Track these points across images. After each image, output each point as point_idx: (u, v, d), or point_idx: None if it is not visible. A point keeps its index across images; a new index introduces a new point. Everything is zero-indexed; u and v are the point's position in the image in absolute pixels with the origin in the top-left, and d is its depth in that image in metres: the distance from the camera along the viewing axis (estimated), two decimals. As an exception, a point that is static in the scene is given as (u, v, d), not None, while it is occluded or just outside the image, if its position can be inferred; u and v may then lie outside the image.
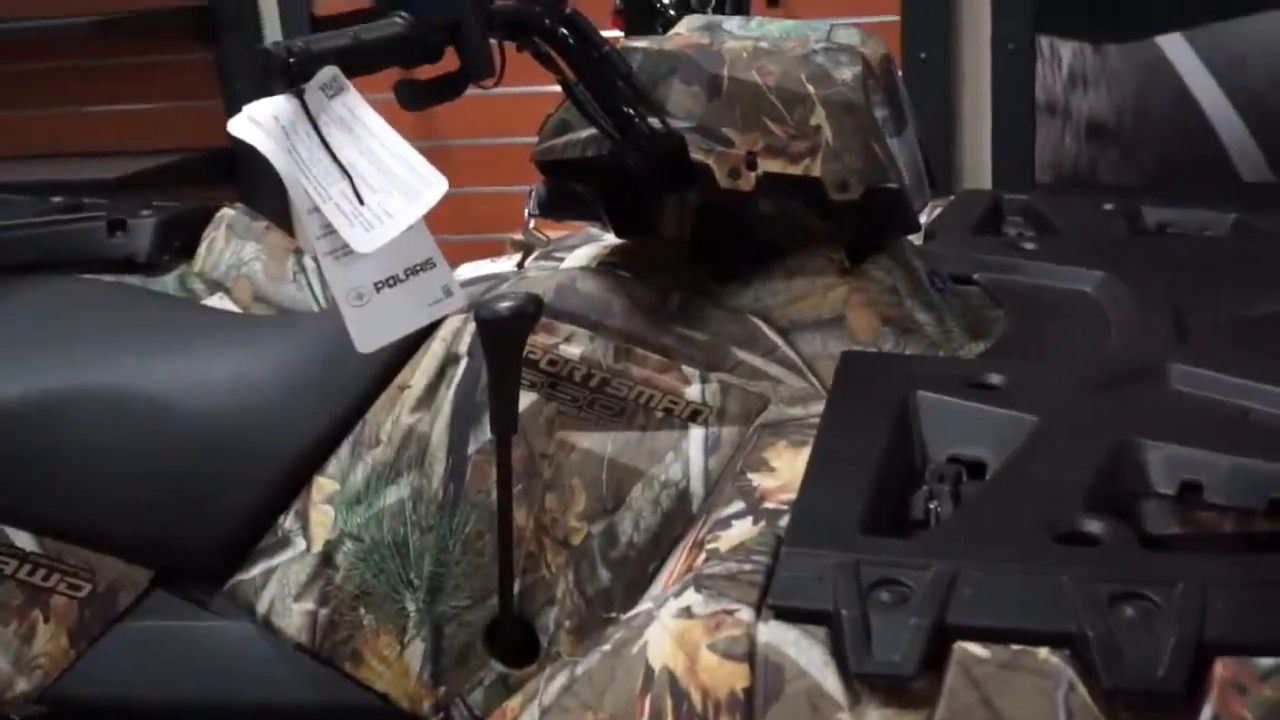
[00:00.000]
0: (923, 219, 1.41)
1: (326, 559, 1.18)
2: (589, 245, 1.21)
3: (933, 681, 0.73)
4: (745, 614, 0.78)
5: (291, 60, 0.87)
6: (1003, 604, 0.74)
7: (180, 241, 1.65)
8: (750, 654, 0.76)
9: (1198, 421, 0.93)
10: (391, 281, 0.91)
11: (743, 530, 0.87)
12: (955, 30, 2.40)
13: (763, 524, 0.87)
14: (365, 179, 0.88)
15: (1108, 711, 0.71)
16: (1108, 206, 1.50)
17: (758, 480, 0.94)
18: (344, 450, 1.20)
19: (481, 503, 1.12)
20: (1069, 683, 0.72)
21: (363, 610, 1.17)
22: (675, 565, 0.96)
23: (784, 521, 0.85)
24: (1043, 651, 0.72)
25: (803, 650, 0.76)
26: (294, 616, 1.20)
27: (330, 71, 0.88)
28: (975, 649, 0.73)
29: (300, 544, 1.21)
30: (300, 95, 0.87)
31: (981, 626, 0.73)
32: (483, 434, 1.12)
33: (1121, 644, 0.71)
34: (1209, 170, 2.35)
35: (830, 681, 0.75)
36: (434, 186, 0.89)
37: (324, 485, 1.20)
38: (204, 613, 1.26)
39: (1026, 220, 1.46)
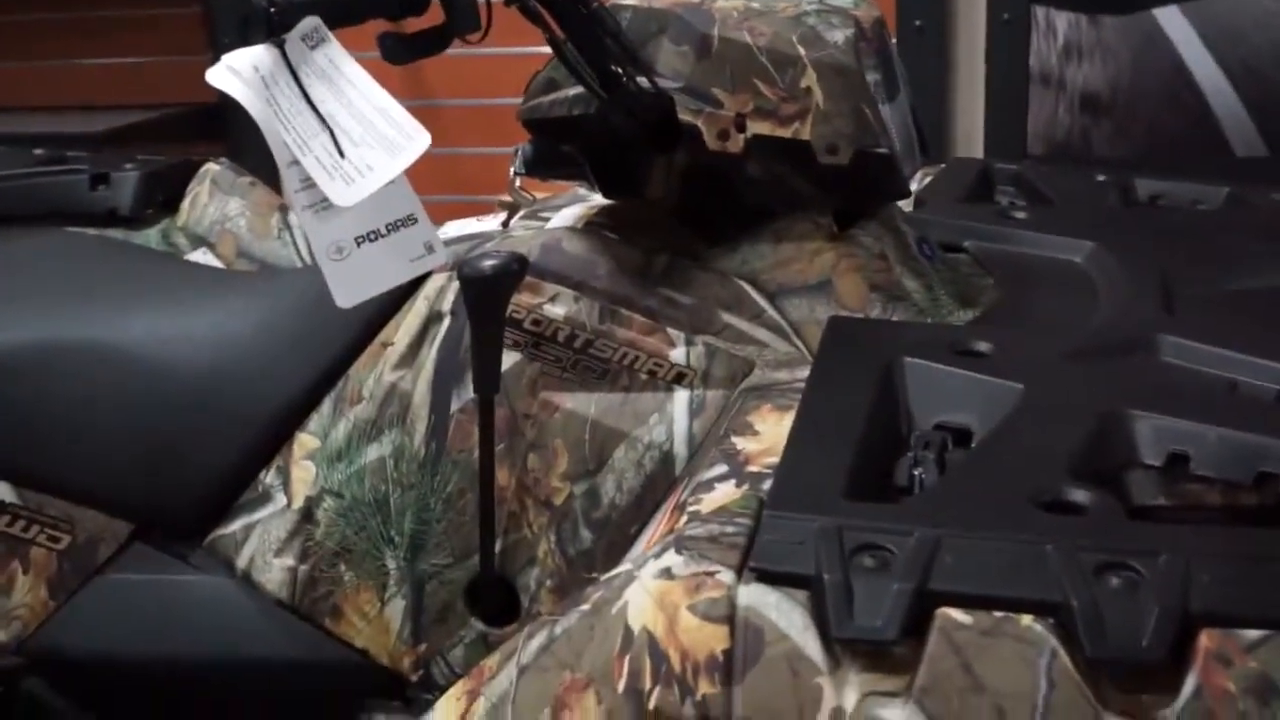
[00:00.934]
0: (913, 186, 1.41)
1: (307, 515, 1.18)
2: (575, 205, 1.20)
3: (914, 647, 0.73)
4: (726, 576, 0.77)
5: (272, 9, 0.86)
6: (986, 571, 0.74)
7: (164, 195, 1.65)
8: (730, 616, 0.76)
9: (1186, 393, 0.93)
10: (372, 236, 0.90)
11: (725, 493, 0.86)
12: (948, 2, 2.40)
13: (745, 487, 0.87)
14: (346, 132, 0.87)
15: (1090, 680, 0.71)
16: (1100, 178, 1.50)
17: (741, 444, 0.93)
18: (326, 407, 1.19)
19: (464, 461, 1.11)
20: (1051, 651, 0.71)
21: (343, 567, 1.17)
22: (657, 527, 0.96)
23: (767, 485, 0.85)
24: (1026, 619, 0.72)
25: (783, 613, 0.75)
26: (274, 572, 1.20)
27: (312, 22, 0.86)
28: (958, 615, 0.73)
29: (281, 500, 1.20)
30: (281, 45, 0.86)
31: (964, 593, 0.73)
32: (465, 393, 1.11)
33: (1105, 613, 0.70)
34: (1202, 144, 2.36)
35: (811, 645, 0.74)
36: (416, 141, 0.88)
37: (305, 441, 1.20)
38: (184, 566, 1.25)
39: (1018, 190, 1.46)
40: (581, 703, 0.79)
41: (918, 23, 2.38)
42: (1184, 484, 0.88)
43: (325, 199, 0.85)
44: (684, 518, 0.85)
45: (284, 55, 0.86)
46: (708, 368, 1.07)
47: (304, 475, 1.19)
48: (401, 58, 0.94)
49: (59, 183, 1.64)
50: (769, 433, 0.94)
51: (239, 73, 0.84)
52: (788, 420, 0.92)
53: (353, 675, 1.19)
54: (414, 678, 1.17)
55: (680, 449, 1.07)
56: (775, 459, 0.87)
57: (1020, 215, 1.34)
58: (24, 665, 1.27)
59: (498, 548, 1.10)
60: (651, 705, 0.77)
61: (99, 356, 1.25)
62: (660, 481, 1.07)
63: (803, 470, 0.84)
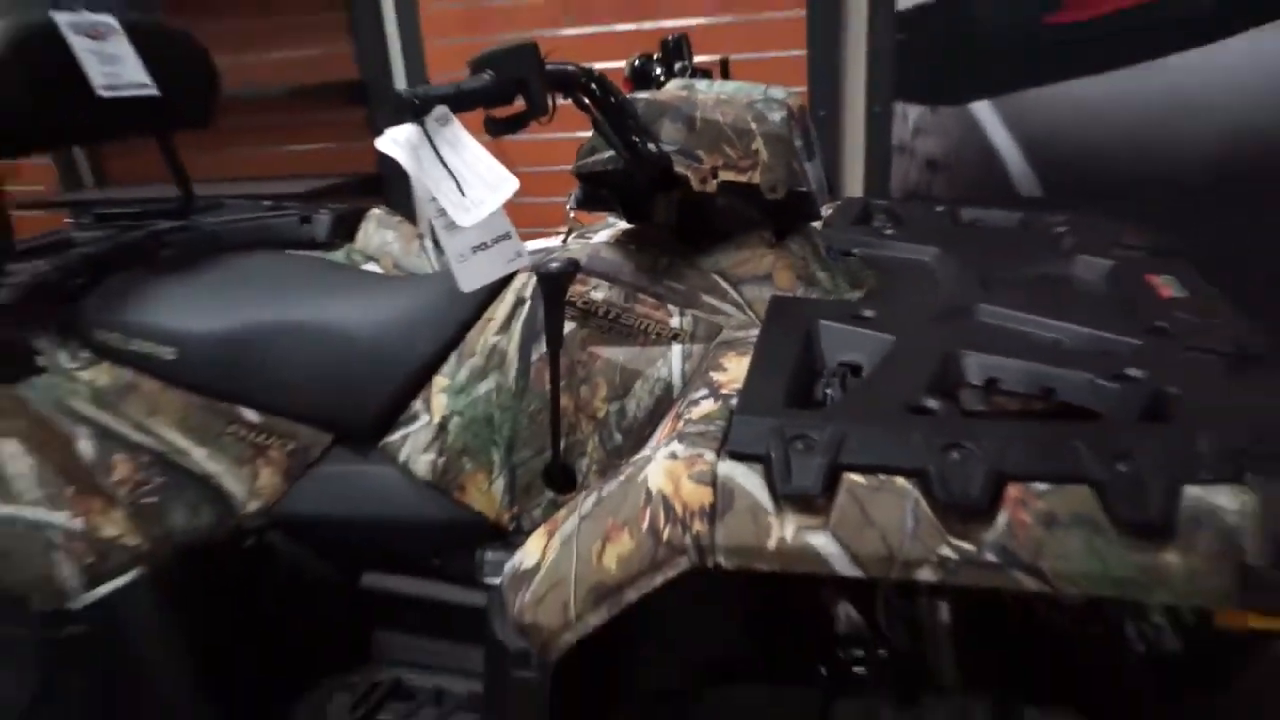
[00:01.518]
0: (823, 213, 1.39)
1: (442, 427, 1.18)
2: (609, 229, 1.20)
3: (829, 499, 0.73)
4: (710, 456, 0.77)
5: (416, 101, 0.85)
6: (875, 450, 0.73)
7: (346, 230, 1.64)
8: (713, 481, 0.76)
9: (996, 340, 0.92)
10: (482, 247, 0.89)
11: (707, 407, 0.86)
12: (841, 97, 2.36)
13: (720, 403, 0.86)
14: (465, 179, 0.86)
15: (940, 518, 0.71)
16: (938, 209, 1.48)
17: (716, 376, 0.93)
18: (452, 359, 1.18)
19: (540, 391, 1.11)
20: (915, 499, 0.71)
21: (465, 459, 1.17)
22: (663, 429, 0.96)
23: (734, 401, 0.84)
24: (900, 480, 0.72)
25: (747, 479, 0.75)
26: (422, 464, 1.20)
27: (441, 109, 0.86)
28: (857, 478, 0.72)
29: (425, 418, 1.20)
30: (422, 124, 0.85)
31: (861, 464, 0.73)
32: (540, 348, 1.11)
33: (949, 475, 0.70)
34: (1001, 189, 2.33)
35: (765, 498, 0.74)
36: (509, 184, 0.87)
37: (440, 381, 1.19)
38: (366, 461, 1.25)
39: (887, 217, 1.44)
40: (621, 537, 0.79)
41: (822, 112, 2.35)
42: (997, 397, 0.87)
43: (453, 221, 0.85)
44: (681, 422, 0.85)
45: (424, 130, 0.85)
46: (694, 330, 1.06)
47: (439, 403, 1.19)
48: (498, 133, 0.93)
49: (279, 221, 1.63)
50: (734, 369, 0.93)
51: (396, 141, 0.84)
52: (745, 361, 0.92)
53: (471, 526, 1.19)
54: (511, 528, 1.17)
55: (676, 381, 1.06)
56: (739, 385, 0.87)
57: (889, 232, 1.32)
58: (268, 525, 1.28)
59: (562, 446, 1.10)
60: (664, 538, 0.77)
61: (308, 329, 1.25)
62: (664, 402, 1.06)
63: (758, 391, 0.83)
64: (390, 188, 2.67)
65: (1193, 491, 0.67)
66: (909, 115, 2.33)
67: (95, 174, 3.14)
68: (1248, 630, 0.93)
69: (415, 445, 1.21)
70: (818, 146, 1.18)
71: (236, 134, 2.90)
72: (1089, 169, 2.33)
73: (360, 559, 1.32)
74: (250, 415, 1.28)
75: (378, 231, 1.64)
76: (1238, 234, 2.33)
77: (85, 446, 1.21)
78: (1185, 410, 0.75)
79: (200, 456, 1.28)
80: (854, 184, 2.37)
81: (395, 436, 1.23)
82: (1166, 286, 1.05)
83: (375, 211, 1.67)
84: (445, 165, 0.85)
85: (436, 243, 1.66)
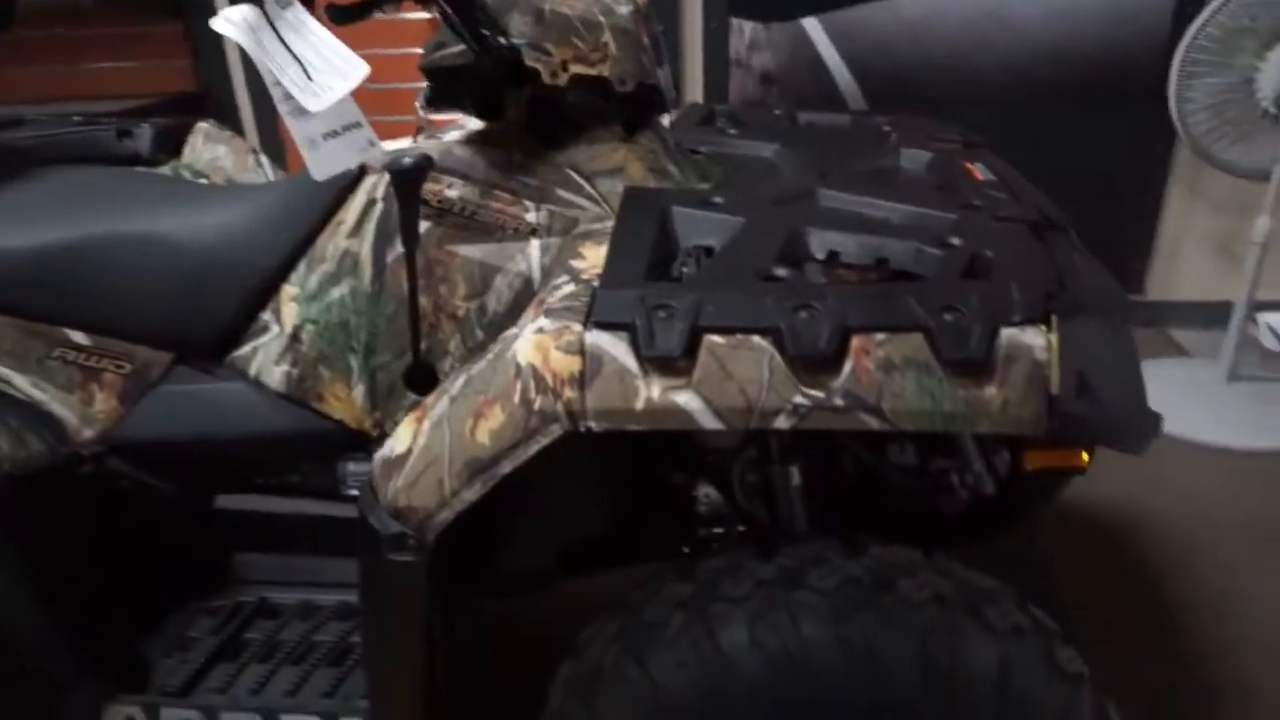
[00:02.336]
0: (669, 119, 1.42)
1: (295, 336, 1.14)
2: (461, 128, 1.17)
3: (691, 360, 0.76)
4: (577, 327, 0.79)
5: None
6: (731, 313, 0.77)
7: (171, 144, 1.53)
8: (581, 350, 0.78)
9: (835, 219, 0.97)
10: (333, 134, 0.86)
11: (570, 289, 0.88)
12: (680, 12, 2.38)
13: (581, 286, 0.88)
14: (311, 64, 0.82)
15: (792, 370, 0.76)
16: (777, 112, 1.53)
17: (576, 264, 0.94)
18: (301, 267, 1.14)
19: (397, 293, 1.08)
20: (770, 354, 0.76)
21: (321, 368, 1.13)
22: (527, 316, 0.97)
23: (595, 284, 0.86)
24: (756, 338, 0.76)
25: (614, 346, 0.77)
26: (275, 376, 1.15)
27: None
28: (716, 339, 0.76)
29: (275, 329, 1.15)
30: (260, 5, 0.81)
31: (719, 325, 0.76)
32: (395, 249, 1.08)
33: (800, 331, 0.75)
34: (829, 102, 2.43)
35: (631, 362, 0.77)
36: (358, 69, 0.85)
37: (289, 290, 1.14)
38: (212, 379, 1.19)
39: (729, 120, 1.48)
40: (493, 411, 0.80)
41: (661, 27, 2.35)
42: (838, 269, 0.92)
43: (300, 106, 0.82)
44: (545, 305, 0.86)
45: (264, 12, 0.81)
46: (550, 224, 1.06)
47: (290, 312, 1.14)
48: (343, 20, 0.90)
49: (94, 135, 1.50)
50: (592, 257, 0.95)
51: (232, 21, 0.79)
52: (603, 250, 0.93)
53: (332, 436, 1.16)
54: (374, 435, 1.15)
55: (535, 275, 1.06)
56: (598, 271, 0.88)
57: (732, 132, 1.36)
58: (107, 451, 1.21)
59: (423, 347, 1.08)
60: (536, 407, 0.79)
61: (140, 243, 1.16)
62: (524, 296, 1.06)
63: (619, 267, 0.86)
64: (214, 108, 2.49)
65: (1007, 333, 0.75)
66: (744, 30, 2.38)
67: None
68: (1049, 470, 1.06)
69: (266, 357, 1.16)
70: (665, 53, 1.19)
71: (37, 49, 2.61)
72: (911, 84, 2.46)
73: (214, 480, 1.28)
74: (77, 337, 1.19)
75: (207, 146, 1.53)
76: (1045, 142, 2.54)
77: None
78: (998, 268, 0.83)
79: (23, 384, 1.18)
80: (694, 97, 2.40)
81: (244, 350, 1.18)
82: (978, 171, 1.14)
83: (203, 125, 1.56)
84: (289, 49, 0.81)
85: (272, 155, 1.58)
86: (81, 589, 1.19)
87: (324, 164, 0.86)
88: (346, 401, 1.14)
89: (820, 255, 0.92)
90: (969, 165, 1.17)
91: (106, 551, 1.22)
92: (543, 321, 0.80)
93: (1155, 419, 0.76)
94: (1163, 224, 2.79)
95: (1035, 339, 0.75)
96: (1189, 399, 2.40)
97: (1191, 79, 2.12)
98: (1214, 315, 2.48)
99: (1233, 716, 1.52)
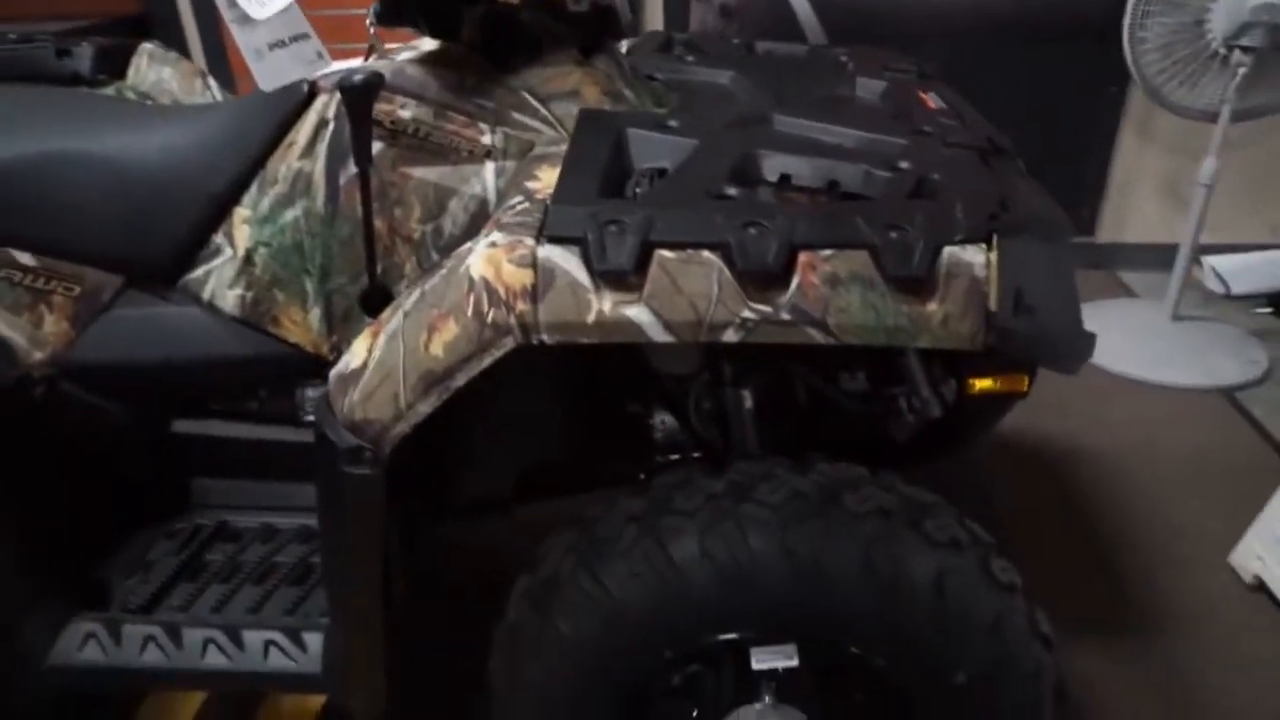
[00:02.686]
0: (626, 45, 1.40)
1: (248, 259, 1.12)
2: (413, 49, 1.15)
3: (642, 275, 0.77)
4: (530, 241, 0.79)
5: None
6: (681, 229, 0.78)
7: (113, 65, 1.48)
8: (534, 263, 0.78)
9: (788, 143, 0.98)
10: (280, 44, 0.85)
11: (523, 208, 0.87)
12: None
13: (535, 204, 0.87)
14: None
15: (741, 285, 0.77)
16: (735, 41, 1.53)
17: (532, 185, 0.93)
18: (253, 189, 1.12)
19: (351, 215, 1.07)
20: (720, 269, 0.77)
21: (276, 291, 1.12)
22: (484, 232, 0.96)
23: (549, 203, 0.87)
24: (705, 253, 0.77)
25: (566, 260, 0.78)
26: (229, 299, 1.14)
27: None
28: (667, 253, 0.77)
29: (228, 251, 1.13)
30: None
31: (670, 241, 0.77)
32: (349, 171, 1.06)
33: (749, 247, 0.76)
34: (789, 36, 2.42)
35: (583, 276, 0.78)
36: None
37: (241, 213, 1.12)
38: (165, 302, 1.17)
39: (686, 48, 1.47)
40: (446, 325, 0.81)
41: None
42: (789, 192, 0.93)
43: (246, 14, 0.80)
44: (498, 222, 0.85)
45: None
46: (505, 147, 1.06)
47: (243, 235, 1.12)
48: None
49: (30, 53, 1.44)
50: (546, 178, 0.94)
51: None
52: (557, 172, 0.93)
53: (288, 360, 1.15)
54: (331, 358, 1.14)
55: (491, 197, 1.05)
56: (552, 191, 0.88)
57: (690, 60, 1.35)
58: (58, 374, 1.20)
59: (379, 270, 1.08)
60: (489, 320, 0.79)
61: (85, 161, 1.13)
62: (480, 219, 1.05)
63: (572, 185, 0.86)
64: (158, 30, 2.40)
65: (949, 251, 0.77)
66: (706, -37, 2.34)
67: None
68: (991, 394, 1.09)
69: (220, 280, 1.15)
70: None
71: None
72: (871, 19, 2.45)
73: (170, 404, 1.27)
74: (24, 259, 1.17)
75: (152, 67, 1.49)
76: (1003, 81, 2.55)
77: None
78: (944, 190, 0.84)
79: None
80: (654, 28, 2.37)
81: (197, 273, 1.16)
82: (931, 100, 1.15)
83: (147, 46, 1.51)
84: (233, -46, 0.79)
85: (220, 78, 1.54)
86: (40, 509, 1.18)
87: (271, 74, 0.84)
88: (302, 325, 1.14)
89: (772, 178, 0.93)
90: (922, 94, 1.18)
91: (64, 474, 1.22)
92: (495, 236, 0.80)
93: (1089, 339, 0.79)
94: (1114, 166, 2.83)
95: (976, 257, 0.77)
96: (1133, 338, 2.46)
97: (1145, 18, 2.14)
98: (1163, 258, 2.54)
99: (1162, 629, 1.60)
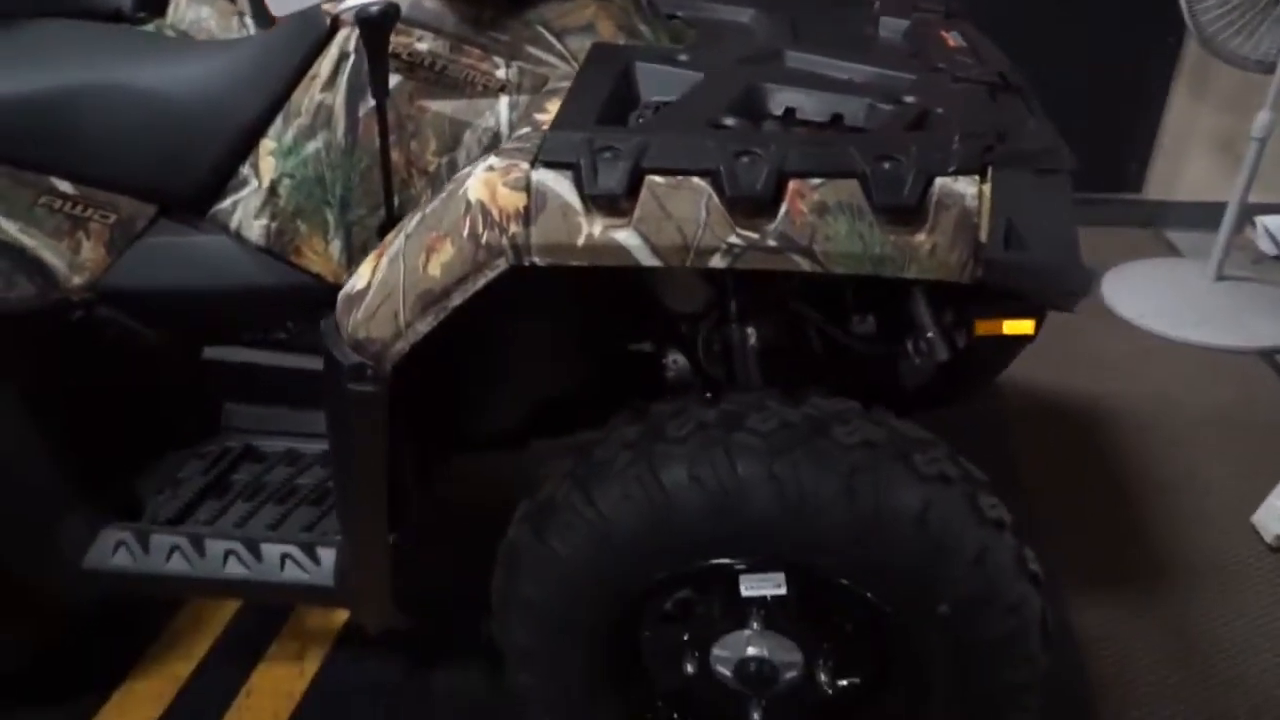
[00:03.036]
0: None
1: (273, 190, 1.15)
2: None
3: (632, 200, 0.78)
4: (525, 165, 0.80)
5: None
6: (673, 156, 0.78)
7: (153, 3, 1.51)
8: (528, 186, 0.80)
9: (796, 78, 0.97)
10: None
11: (524, 134, 0.88)
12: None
13: (537, 133, 0.87)
14: None
15: (729, 211, 0.78)
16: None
17: (540, 117, 0.94)
18: (278, 121, 1.15)
19: (369, 147, 1.09)
20: (709, 195, 0.77)
21: (299, 222, 1.15)
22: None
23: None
24: (695, 179, 0.77)
25: (559, 184, 0.79)
26: (255, 230, 1.17)
27: None
28: (657, 179, 0.78)
29: (254, 183, 1.16)
30: None
31: (661, 167, 0.78)
32: (368, 103, 1.08)
33: (739, 174, 0.76)
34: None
35: (574, 200, 0.79)
36: None
37: (267, 144, 1.15)
38: (195, 231, 1.21)
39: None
40: (443, 245, 0.83)
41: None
42: (794, 127, 0.92)
43: None
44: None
45: None
46: (520, 81, 1.06)
47: (268, 166, 1.15)
48: None
49: None
50: (555, 111, 0.93)
51: None
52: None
53: (311, 290, 1.18)
54: None
55: (504, 131, 1.06)
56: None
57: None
58: (95, 298, 1.25)
59: (396, 202, 1.09)
60: (483, 241, 0.81)
61: (122, 91, 1.17)
62: (493, 149, 1.06)
63: (572, 112, 0.87)
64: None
65: (941, 181, 0.77)
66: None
67: None
68: (999, 336, 1.08)
69: (246, 211, 1.18)
70: None
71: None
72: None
73: (202, 331, 1.32)
74: (64, 186, 1.21)
75: (190, 6, 1.51)
76: (1053, 28, 2.46)
77: None
78: (943, 123, 0.84)
79: (13, 229, 1.21)
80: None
81: (225, 204, 1.19)
82: (952, 39, 1.13)
83: None
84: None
85: (257, 18, 1.56)
86: (77, 424, 1.24)
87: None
88: (324, 256, 1.17)
89: (777, 111, 0.93)
90: (944, 33, 1.16)
91: (100, 393, 1.27)
92: (493, 160, 0.82)
93: (1085, 275, 0.78)
94: (1166, 121, 2.74)
95: (968, 188, 0.77)
96: (1173, 298, 2.40)
97: (1203, -36, 2.06)
98: (1213, 216, 2.45)
99: (1177, 584, 1.59)
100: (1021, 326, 1.06)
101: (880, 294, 1.11)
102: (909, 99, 0.90)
